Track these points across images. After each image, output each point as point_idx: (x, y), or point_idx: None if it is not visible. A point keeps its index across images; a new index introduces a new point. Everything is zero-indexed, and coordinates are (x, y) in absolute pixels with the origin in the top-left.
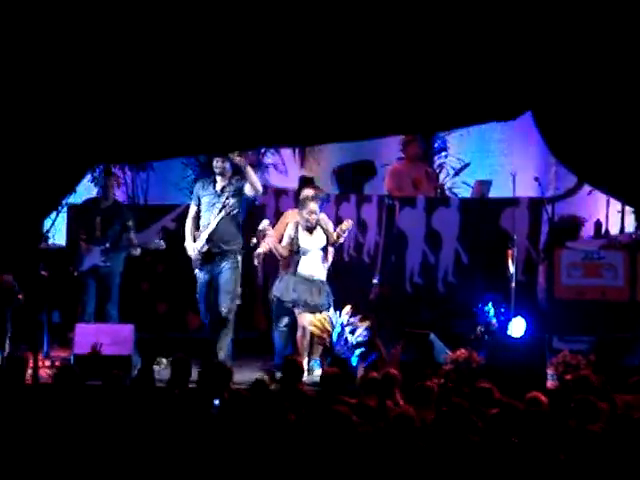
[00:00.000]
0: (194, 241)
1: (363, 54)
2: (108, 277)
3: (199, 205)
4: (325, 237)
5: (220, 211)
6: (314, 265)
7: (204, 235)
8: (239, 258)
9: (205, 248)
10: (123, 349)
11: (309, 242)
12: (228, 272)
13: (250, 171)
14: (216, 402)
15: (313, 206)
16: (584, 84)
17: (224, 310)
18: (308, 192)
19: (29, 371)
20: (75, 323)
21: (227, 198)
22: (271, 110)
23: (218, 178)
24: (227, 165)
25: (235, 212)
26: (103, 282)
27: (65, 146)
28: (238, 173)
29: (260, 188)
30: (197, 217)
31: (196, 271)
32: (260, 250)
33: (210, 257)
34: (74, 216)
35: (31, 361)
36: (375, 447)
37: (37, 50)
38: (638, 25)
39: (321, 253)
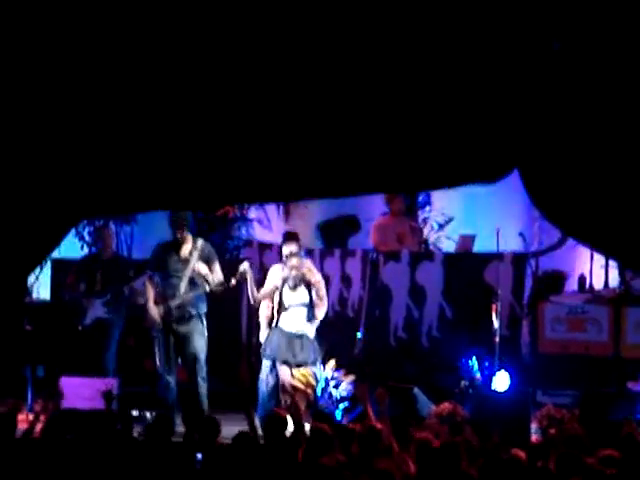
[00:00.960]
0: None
1: (346, 114)
2: (109, 328)
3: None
4: (308, 295)
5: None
6: (297, 321)
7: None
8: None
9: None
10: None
11: (292, 298)
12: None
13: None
14: (199, 456)
15: (295, 262)
16: (569, 141)
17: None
18: (288, 249)
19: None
20: (61, 376)
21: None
22: (255, 166)
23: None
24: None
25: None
26: (104, 333)
27: (50, 202)
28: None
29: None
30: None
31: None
32: (233, 282)
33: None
34: (65, 270)
35: (22, 415)
36: None
37: (17, 105)
38: (624, 84)
39: (305, 309)
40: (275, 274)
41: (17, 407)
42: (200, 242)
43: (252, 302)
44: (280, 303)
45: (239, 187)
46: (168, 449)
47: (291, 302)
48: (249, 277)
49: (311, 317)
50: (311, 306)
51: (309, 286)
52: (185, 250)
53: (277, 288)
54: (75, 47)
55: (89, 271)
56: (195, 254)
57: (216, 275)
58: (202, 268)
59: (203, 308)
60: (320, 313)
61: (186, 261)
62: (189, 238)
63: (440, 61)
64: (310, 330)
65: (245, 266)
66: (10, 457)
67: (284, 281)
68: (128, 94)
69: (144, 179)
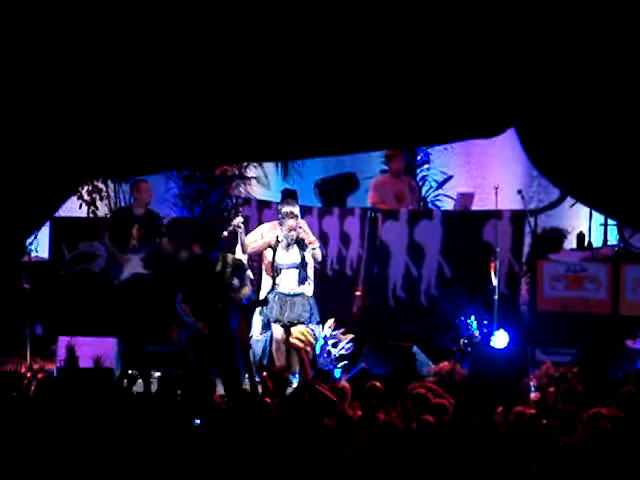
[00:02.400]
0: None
1: (342, 70)
2: (148, 285)
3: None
4: (299, 256)
5: None
6: (291, 281)
7: None
8: None
9: None
10: (106, 362)
11: (285, 258)
12: None
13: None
14: (197, 421)
15: (291, 223)
16: (567, 98)
17: None
18: (286, 209)
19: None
20: (61, 335)
21: None
22: (252, 125)
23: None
24: None
25: None
26: (143, 289)
27: (51, 163)
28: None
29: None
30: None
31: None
32: (225, 233)
33: None
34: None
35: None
36: (360, 457)
37: (19, 69)
38: (621, 43)
39: (297, 270)
40: (269, 232)
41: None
42: (230, 257)
43: (242, 252)
44: (273, 264)
45: (237, 146)
46: (168, 407)
47: (284, 263)
48: (241, 230)
49: (304, 277)
50: (303, 267)
51: (302, 247)
52: (218, 266)
53: (271, 247)
54: (72, 14)
55: (123, 226)
56: (228, 269)
57: (245, 288)
58: (235, 282)
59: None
60: (310, 272)
61: (220, 277)
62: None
63: (436, 17)
64: (307, 289)
65: (239, 220)
66: (10, 415)
67: (278, 241)
68: (124, 54)
69: (143, 140)
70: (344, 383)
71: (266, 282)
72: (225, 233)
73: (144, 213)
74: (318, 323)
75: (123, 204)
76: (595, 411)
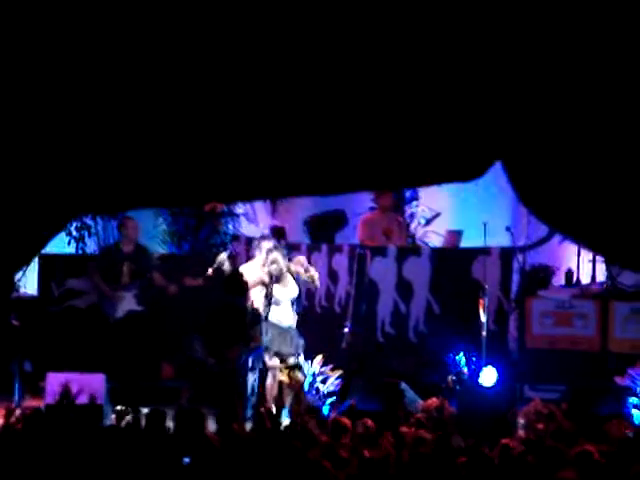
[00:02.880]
0: None
1: (330, 112)
2: (143, 321)
3: None
4: (297, 288)
5: None
6: (285, 314)
7: None
8: None
9: None
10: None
11: (282, 293)
12: None
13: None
14: (186, 460)
15: (273, 256)
16: (555, 134)
17: None
18: (267, 244)
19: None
20: (50, 372)
21: None
22: (242, 164)
23: None
24: None
25: None
26: (138, 326)
27: (41, 200)
28: None
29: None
30: None
31: None
32: (210, 271)
33: None
34: (52, 265)
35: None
36: None
37: (10, 104)
38: (608, 73)
39: (292, 303)
40: (251, 271)
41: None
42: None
43: None
44: (268, 297)
45: (227, 185)
46: (157, 443)
47: (281, 297)
48: (226, 267)
49: (297, 309)
50: (298, 299)
51: (295, 278)
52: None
53: (263, 282)
54: (67, 48)
55: (113, 264)
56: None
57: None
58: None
59: None
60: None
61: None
62: None
63: (420, 58)
64: (294, 322)
65: (223, 256)
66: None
67: (271, 276)
68: (117, 92)
69: (134, 177)
70: (344, 419)
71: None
72: (210, 271)
73: (133, 249)
74: (304, 359)
75: (112, 240)
76: (582, 449)
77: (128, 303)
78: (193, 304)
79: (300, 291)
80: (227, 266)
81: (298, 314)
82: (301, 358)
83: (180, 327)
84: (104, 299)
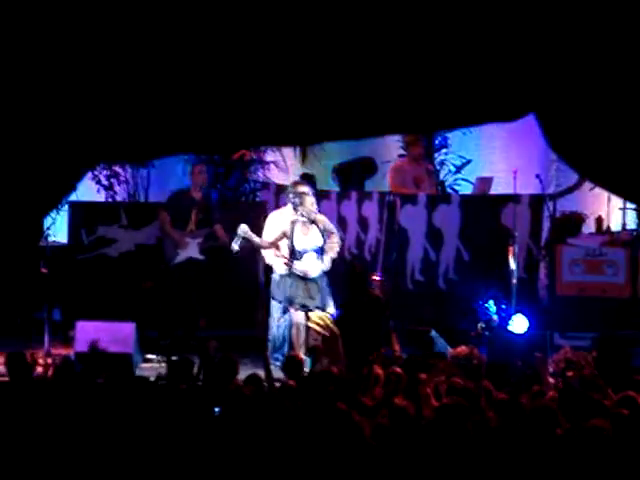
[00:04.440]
0: None
1: (364, 53)
2: (201, 270)
3: None
4: (321, 238)
5: None
6: (310, 265)
7: None
8: None
9: None
10: (124, 347)
11: (304, 242)
12: None
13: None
14: (216, 409)
15: (297, 202)
16: (587, 83)
17: None
18: (302, 188)
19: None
20: (79, 320)
21: None
22: (271, 109)
23: None
24: None
25: None
26: (196, 274)
27: (66, 144)
28: None
29: None
30: None
31: None
32: (235, 247)
33: None
34: (82, 213)
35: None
36: (377, 444)
37: (34, 48)
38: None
39: (316, 253)
40: (279, 220)
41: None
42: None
43: (261, 249)
44: (292, 249)
45: (256, 130)
46: (183, 393)
47: (303, 247)
48: (250, 236)
49: (321, 261)
50: (322, 250)
51: (322, 231)
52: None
53: (285, 234)
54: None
55: (183, 209)
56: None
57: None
58: None
59: None
60: (327, 260)
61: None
62: None
63: (458, 2)
64: (319, 273)
65: (243, 228)
66: (24, 398)
67: (293, 224)
68: (145, 36)
69: (161, 123)
70: (378, 369)
71: (277, 264)
72: (235, 247)
73: (202, 197)
74: (331, 306)
75: (141, 188)
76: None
77: (191, 250)
78: (249, 261)
79: (324, 241)
80: (250, 234)
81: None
82: (330, 309)
83: (224, 280)
84: (169, 243)
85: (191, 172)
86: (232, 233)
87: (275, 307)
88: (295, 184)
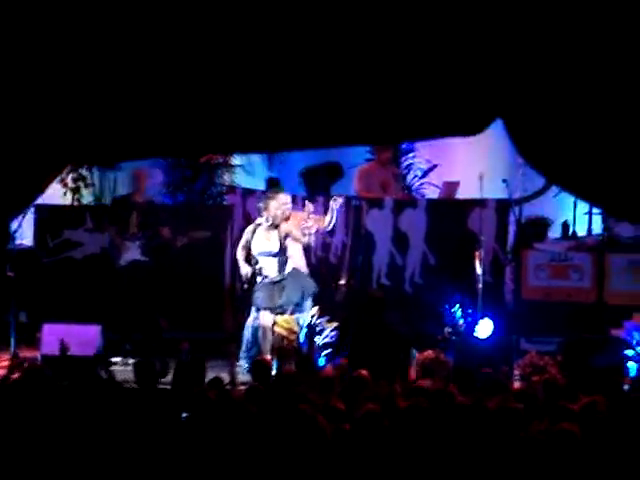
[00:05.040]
0: None
1: (329, 64)
2: (145, 272)
3: None
4: (278, 244)
5: None
6: (270, 267)
7: None
8: None
9: None
10: (89, 349)
11: (261, 247)
12: None
13: None
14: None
15: (264, 204)
16: (553, 86)
17: None
18: (271, 193)
19: None
20: (45, 323)
21: None
22: (238, 116)
23: None
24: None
25: None
26: (140, 276)
27: (35, 147)
28: None
29: None
30: None
31: None
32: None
33: None
34: (47, 216)
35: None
36: (341, 447)
37: (4, 52)
38: (609, 29)
39: (276, 258)
40: (249, 229)
41: None
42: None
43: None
44: (248, 252)
45: (224, 136)
46: (149, 395)
47: (261, 250)
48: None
49: (284, 262)
50: (282, 253)
51: (284, 235)
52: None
53: (247, 241)
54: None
55: (123, 214)
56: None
57: None
58: None
59: None
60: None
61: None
62: None
63: (420, 14)
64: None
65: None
66: None
67: (256, 228)
68: (115, 41)
69: (129, 126)
70: (330, 372)
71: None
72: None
73: (144, 201)
74: (309, 307)
75: (107, 192)
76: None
77: (133, 253)
78: (197, 259)
79: (282, 245)
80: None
81: (285, 264)
82: (308, 304)
83: (182, 281)
84: (113, 247)
85: (135, 177)
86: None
87: (252, 310)
88: (272, 189)
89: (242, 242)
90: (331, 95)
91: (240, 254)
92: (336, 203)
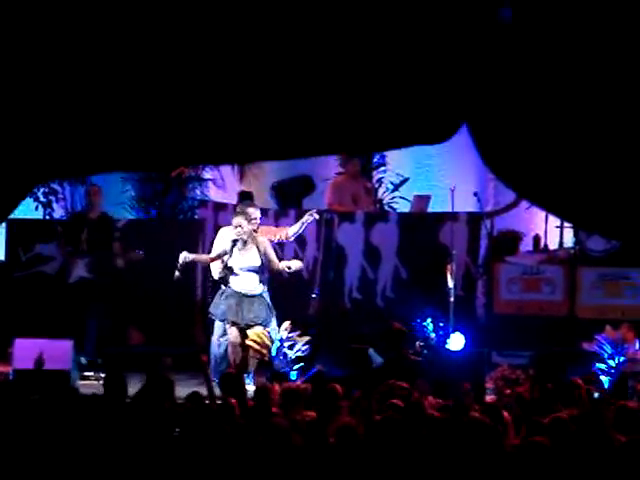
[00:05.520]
0: None
1: (295, 75)
2: (93, 290)
3: None
4: (259, 258)
5: None
6: (245, 282)
7: None
8: None
9: None
10: (62, 364)
11: (239, 262)
12: None
13: None
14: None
15: (236, 220)
16: (521, 99)
17: None
18: (239, 208)
19: None
20: (17, 338)
21: None
22: (209, 128)
23: None
24: None
25: None
26: (87, 294)
27: (6, 165)
28: None
29: None
30: None
31: None
32: (177, 274)
33: None
34: (20, 230)
35: None
36: (315, 461)
37: None
38: (579, 36)
39: (255, 274)
40: (224, 236)
41: None
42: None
43: (205, 265)
44: (226, 266)
45: (194, 148)
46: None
47: (238, 265)
48: (193, 259)
49: (263, 280)
50: (262, 270)
51: (262, 254)
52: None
53: (226, 252)
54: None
55: (75, 230)
56: None
57: None
58: None
59: None
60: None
61: None
62: None
63: (383, 19)
64: (260, 289)
65: (184, 255)
66: None
67: (234, 243)
68: (82, 55)
69: (99, 141)
70: (303, 385)
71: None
72: (177, 274)
73: (97, 217)
74: (273, 324)
75: (79, 206)
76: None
77: (80, 270)
78: (139, 276)
79: (262, 261)
80: (191, 257)
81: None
82: (273, 323)
83: (154, 295)
84: (64, 263)
85: (88, 193)
86: (171, 253)
87: (217, 325)
88: (243, 203)
89: (219, 250)
90: (296, 105)
91: (214, 256)
92: (311, 217)
